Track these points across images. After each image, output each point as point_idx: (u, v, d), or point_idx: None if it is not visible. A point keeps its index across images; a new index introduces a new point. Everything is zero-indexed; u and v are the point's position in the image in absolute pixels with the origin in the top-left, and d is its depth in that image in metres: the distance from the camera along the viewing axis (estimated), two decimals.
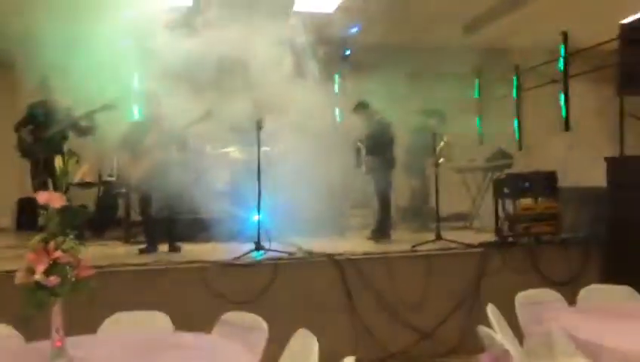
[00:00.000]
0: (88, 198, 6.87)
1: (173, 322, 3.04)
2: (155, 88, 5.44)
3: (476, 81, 9.38)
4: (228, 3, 5.36)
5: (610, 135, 6.11)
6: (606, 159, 5.66)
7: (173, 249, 5.39)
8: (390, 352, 4.77)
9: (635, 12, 6.50)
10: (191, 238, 6.07)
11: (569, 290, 3.69)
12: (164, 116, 5.38)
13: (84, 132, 5.81)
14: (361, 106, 6.61)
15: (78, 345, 2.31)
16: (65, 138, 5.81)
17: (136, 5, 5.68)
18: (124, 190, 6.58)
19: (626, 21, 5.96)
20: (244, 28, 5.34)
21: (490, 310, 3.07)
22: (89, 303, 2.83)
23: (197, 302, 4.28)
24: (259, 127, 5.31)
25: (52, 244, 2.08)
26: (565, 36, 7.28)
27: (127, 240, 6.20)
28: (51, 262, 2.05)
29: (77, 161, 2.31)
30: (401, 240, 6.01)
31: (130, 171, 5.58)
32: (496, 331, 2.85)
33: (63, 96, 5.83)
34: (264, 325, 2.87)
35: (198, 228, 6.26)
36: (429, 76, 8.11)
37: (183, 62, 5.18)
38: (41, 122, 5.78)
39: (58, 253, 2.07)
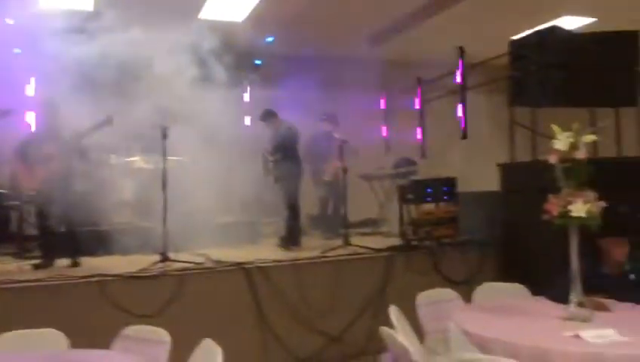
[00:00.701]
0: None
1: (73, 339, 2.90)
2: (52, 95, 5.18)
3: (382, 92, 9.70)
4: (130, 7, 5.19)
5: (502, 143, 6.54)
6: (498, 165, 6.06)
7: (73, 264, 5.13)
8: (299, 358, 4.79)
9: (524, 29, 7.00)
10: (93, 251, 5.79)
11: (467, 289, 3.92)
12: (61, 125, 5.14)
13: None
14: (268, 115, 6.68)
15: None
16: None
17: (32, 8, 5.39)
18: (17, 202, 6.18)
19: (515, 37, 6.39)
20: (148, 34, 5.21)
21: (392, 311, 3.18)
22: None
23: (98, 317, 4.08)
24: (164, 135, 5.20)
25: None
26: (461, 51, 7.70)
27: (20, 255, 5.81)
28: None
29: None
30: (311, 246, 6.07)
31: (25, 182, 5.27)
32: (398, 331, 2.96)
33: None
34: (166, 338, 2.81)
35: (100, 241, 5.98)
36: (338, 86, 8.31)
37: (84, 68, 4.97)
38: None
39: None
